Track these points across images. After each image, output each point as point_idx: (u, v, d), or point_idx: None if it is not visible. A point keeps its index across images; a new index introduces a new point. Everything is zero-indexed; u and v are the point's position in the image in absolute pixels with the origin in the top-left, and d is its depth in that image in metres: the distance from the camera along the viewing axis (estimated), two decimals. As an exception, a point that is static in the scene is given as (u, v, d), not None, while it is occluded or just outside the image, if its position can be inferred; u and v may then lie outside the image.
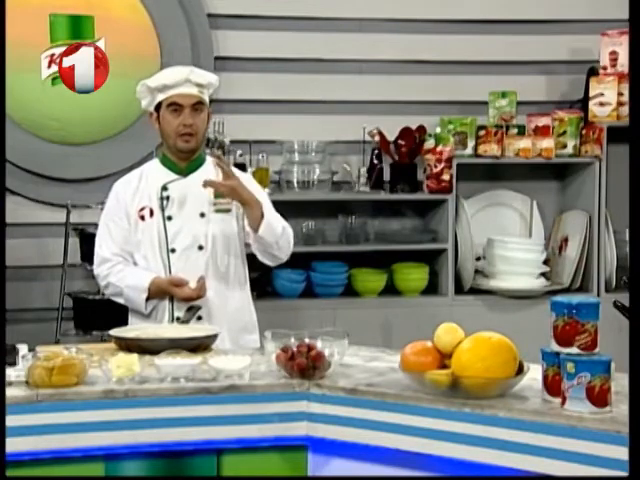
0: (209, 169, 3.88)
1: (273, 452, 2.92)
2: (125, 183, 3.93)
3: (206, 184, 3.73)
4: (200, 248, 3.83)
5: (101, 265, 3.89)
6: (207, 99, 3.86)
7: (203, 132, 3.87)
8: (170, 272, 3.81)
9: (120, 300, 3.88)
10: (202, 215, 3.84)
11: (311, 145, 5.34)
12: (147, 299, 3.79)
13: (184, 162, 3.88)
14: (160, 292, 3.78)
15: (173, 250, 3.82)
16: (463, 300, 5.36)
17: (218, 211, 3.85)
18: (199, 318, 3.79)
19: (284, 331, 3.08)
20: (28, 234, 5.17)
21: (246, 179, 3.94)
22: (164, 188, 3.84)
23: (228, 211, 3.86)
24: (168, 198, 3.83)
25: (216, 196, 3.83)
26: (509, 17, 5.67)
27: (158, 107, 3.83)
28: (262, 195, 3.89)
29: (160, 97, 3.81)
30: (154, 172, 3.91)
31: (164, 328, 3.58)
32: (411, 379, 2.80)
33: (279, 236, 3.79)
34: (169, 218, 3.83)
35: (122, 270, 3.84)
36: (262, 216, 3.73)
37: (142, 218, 3.84)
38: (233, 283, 3.88)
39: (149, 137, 5.21)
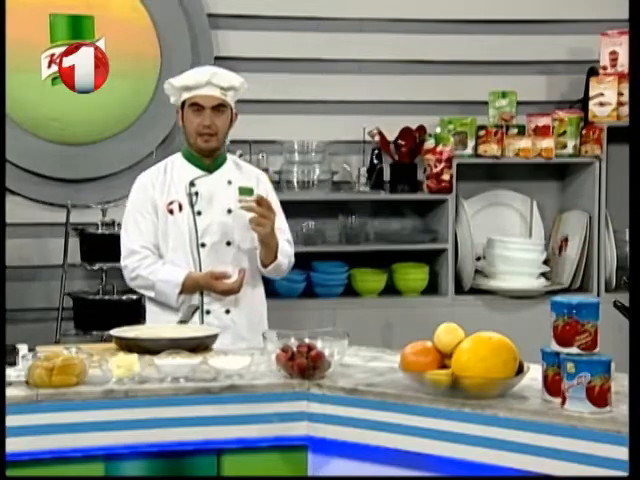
0: (230, 167, 4.01)
1: (273, 452, 2.92)
2: (151, 176, 3.99)
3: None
4: (228, 244, 3.92)
5: (129, 257, 3.92)
6: (231, 101, 3.95)
7: (224, 132, 3.96)
8: (200, 266, 3.88)
9: (148, 293, 3.92)
10: (229, 211, 3.92)
11: (311, 145, 5.34)
12: (179, 293, 3.85)
13: (208, 159, 3.97)
14: (195, 287, 3.86)
15: (203, 245, 3.90)
16: (463, 300, 5.36)
17: (243, 208, 3.87)
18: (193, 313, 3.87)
19: (284, 331, 3.08)
20: (28, 234, 5.16)
21: (263, 182, 4.06)
22: (192, 184, 3.92)
23: (252, 209, 3.92)
24: (197, 194, 3.91)
25: (240, 193, 3.88)
26: (509, 17, 5.67)
27: (182, 105, 3.94)
28: (277, 204, 4.01)
29: (184, 96, 3.92)
30: (179, 167, 3.98)
31: (164, 328, 3.58)
32: (411, 379, 2.80)
33: (284, 272, 3.99)
34: (199, 213, 3.91)
35: (153, 264, 3.88)
36: (275, 258, 3.87)
37: (171, 212, 3.91)
38: (254, 278, 3.98)
39: (149, 137, 5.22)
